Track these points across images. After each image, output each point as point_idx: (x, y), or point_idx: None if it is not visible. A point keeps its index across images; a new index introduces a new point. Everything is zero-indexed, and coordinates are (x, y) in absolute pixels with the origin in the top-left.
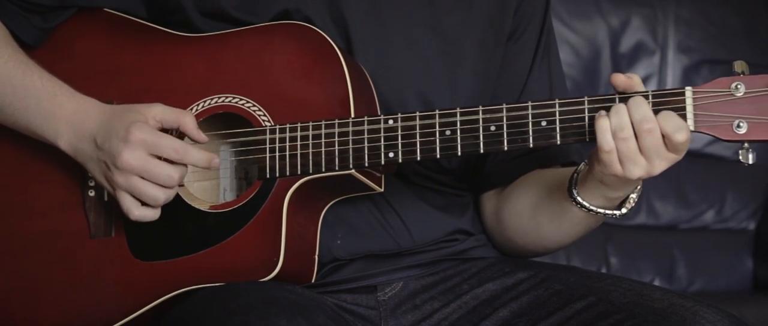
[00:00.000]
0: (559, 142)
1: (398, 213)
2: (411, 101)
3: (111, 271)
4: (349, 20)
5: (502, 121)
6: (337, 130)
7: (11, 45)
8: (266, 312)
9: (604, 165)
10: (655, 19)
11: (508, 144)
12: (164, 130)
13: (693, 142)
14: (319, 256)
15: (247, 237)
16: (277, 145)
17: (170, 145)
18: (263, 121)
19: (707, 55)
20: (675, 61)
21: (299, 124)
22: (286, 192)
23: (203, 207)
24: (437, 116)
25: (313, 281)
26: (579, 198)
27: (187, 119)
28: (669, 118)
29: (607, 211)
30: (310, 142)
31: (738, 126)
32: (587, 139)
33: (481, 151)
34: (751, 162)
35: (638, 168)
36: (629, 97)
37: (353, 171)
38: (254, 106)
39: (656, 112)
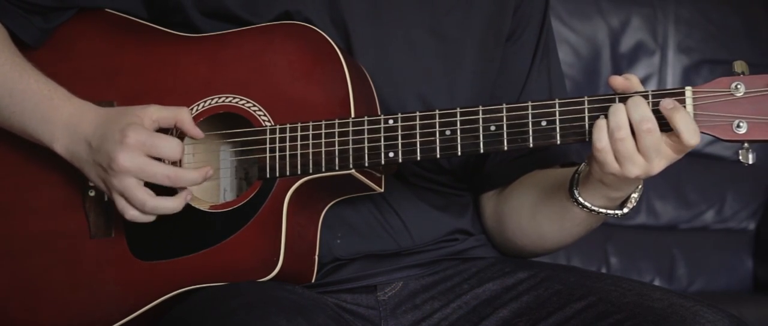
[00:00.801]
0: (559, 142)
1: (398, 214)
2: (410, 102)
3: (111, 271)
4: (349, 22)
5: (502, 121)
6: (337, 130)
7: (9, 47)
8: (266, 311)
9: (600, 164)
10: (655, 19)
11: (508, 144)
12: (163, 130)
13: None
14: (319, 256)
15: (247, 237)
16: (277, 144)
17: (162, 171)
18: (263, 120)
19: (707, 55)
20: (675, 61)
21: (299, 124)
22: (286, 192)
23: (203, 207)
24: (437, 116)
25: (313, 281)
26: (580, 199)
27: (183, 115)
28: (685, 120)
29: (609, 211)
30: (310, 141)
31: (738, 126)
32: (587, 139)
33: (481, 150)
34: (751, 162)
35: (636, 168)
36: (628, 97)
37: (353, 171)
38: (254, 105)
39: (672, 111)
